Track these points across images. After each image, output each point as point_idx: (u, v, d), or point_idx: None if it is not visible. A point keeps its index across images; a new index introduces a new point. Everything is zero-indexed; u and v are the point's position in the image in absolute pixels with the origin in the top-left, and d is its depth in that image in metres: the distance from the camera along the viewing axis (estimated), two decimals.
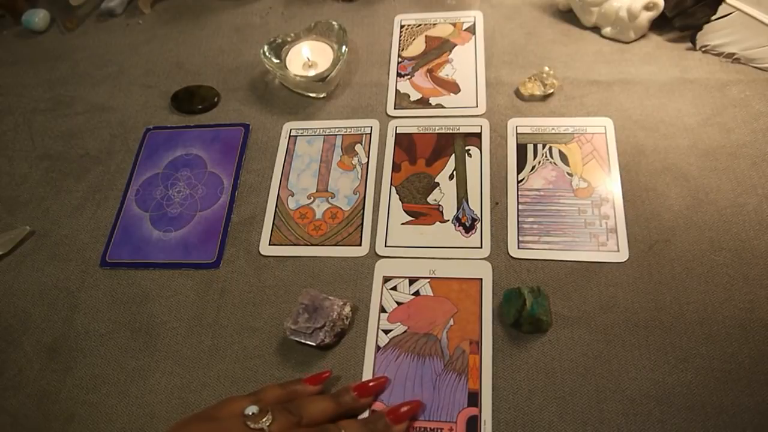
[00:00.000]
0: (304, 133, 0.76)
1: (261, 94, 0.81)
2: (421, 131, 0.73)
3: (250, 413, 0.44)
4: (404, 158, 0.72)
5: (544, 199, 0.66)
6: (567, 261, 0.62)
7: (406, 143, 0.73)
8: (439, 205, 0.67)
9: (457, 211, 0.67)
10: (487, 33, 0.81)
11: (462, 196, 0.68)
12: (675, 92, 0.71)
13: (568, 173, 0.67)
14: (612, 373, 0.55)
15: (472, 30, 0.82)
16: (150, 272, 0.68)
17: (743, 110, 0.69)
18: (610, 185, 0.66)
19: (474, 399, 0.55)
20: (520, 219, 0.65)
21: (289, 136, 0.76)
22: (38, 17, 0.93)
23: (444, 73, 0.78)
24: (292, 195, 0.71)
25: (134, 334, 0.64)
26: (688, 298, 0.58)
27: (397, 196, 0.69)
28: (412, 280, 0.63)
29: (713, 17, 0.72)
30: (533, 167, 0.68)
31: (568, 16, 0.81)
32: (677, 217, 0.63)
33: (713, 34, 0.73)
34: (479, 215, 0.66)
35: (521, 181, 0.68)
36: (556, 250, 0.62)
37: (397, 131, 0.74)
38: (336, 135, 0.75)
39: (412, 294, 0.62)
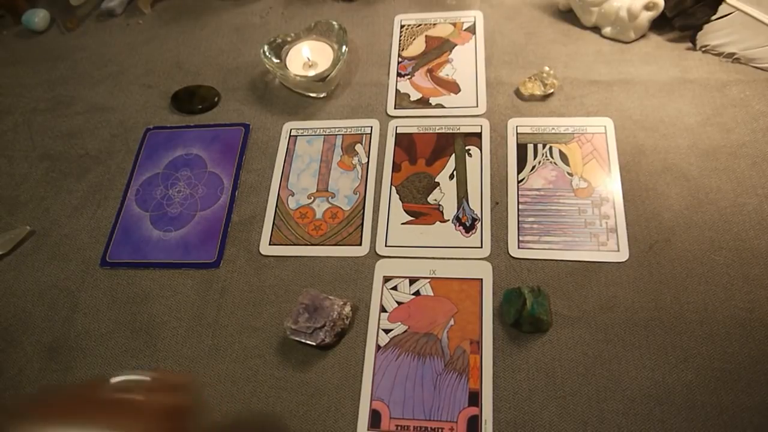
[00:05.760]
0: (304, 133, 0.76)
1: (261, 94, 0.81)
2: (422, 131, 0.73)
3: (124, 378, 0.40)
4: (404, 158, 0.72)
5: (544, 198, 0.66)
6: (567, 261, 0.62)
7: (406, 143, 0.73)
8: (440, 204, 0.67)
9: (458, 210, 0.67)
10: (487, 33, 0.81)
11: (462, 195, 0.68)
12: (675, 92, 0.71)
13: (568, 173, 0.67)
14: (612, 372, 0.55)
15: (472, 30, 0.82)
16: (150, 272, 0.68)
17: (743, 110, 0.69)
18: (610, 185, 0.66)
19: (475, 399, 0.55)
20: (520, 219, 0.65)
21: (289, 136, 0.76)
22: (38, 17, 0.93)
23: (444, 73, 0.78)
24: (293, 195, 0.71)
25: (134, 334, 0.64)
26: (688, 298, 0.58)
27: (398, 196, 0.69)
28: (413, 280, 0.63)
29: (713, 17, 0.72)
30: (533, 167, 0.68)
31: (568, 16, 0.81)
32: (677, 216, 0.63)
33: (713, 34, 0.73)
34: (479, 215, 0.66)
35: (521, 180, 0.68)
36: (557, 249, 0.62)
37: (397, 131, 0.74)
38: (336, 135, 0.75)
39: (413, 294, 0.62)
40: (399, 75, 0.79)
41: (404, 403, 0.56)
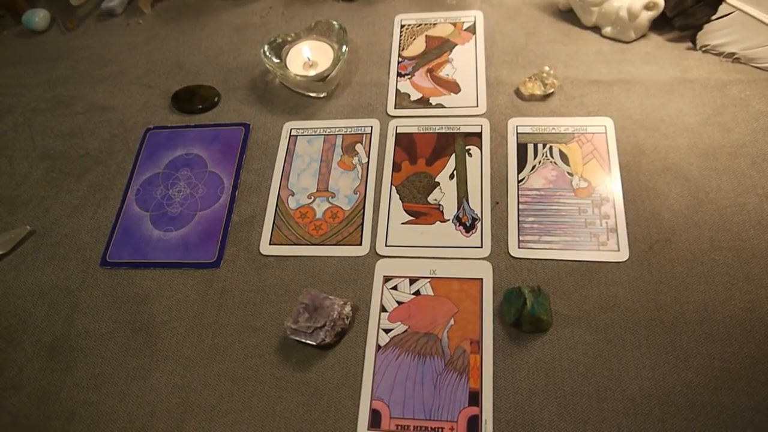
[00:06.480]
0: (305, 133, 0.76)
1: (261, 94, 0.81)
2: (422, 131, 0.73)
3: None
4: (404, 158, 0.72)
5: (545, 198, 0.66)
6: (567, 260, 0.62)
7: (406, 143, 0.73)
8: (440, 204, 0.67)
9: (458, 210, 0.67)
10: (487, 33, 0.81)
11: (462, 195, 0.68)
12: (675, 92, 0.71)
13: (568, 173, 0.67)
14: (612, 372, 0.55)
15: (472, 30, 0.82)
16: (150, 272, 0.68)
17: (743, 110, 0.69)
18: (610, 185, 0.66)
19: (475, 398, 0.55)
20: (520, 218, 0.65)
21: (290, 135, 0.76)
22: (38, 17, 0.93)
23: (444, 72, 0.78)
24: (293, 194, 0.71)
25: (134, 333, 0.64)
26: (688, 298, 0.58)
27: (398, 196, 0.69)
28: (413, 280, 0.63)
29: (713, 17, 0.72)
30: (533, 167, 0.68)
31: (568, 15, 0.81)
32: (677, 216, 0.63)
33: (713, 33, 0.73)
34: (479, 215, 0.66)
35: (521, 180, 0.68)
36: (557, 249, 0.62)
37: (398, 131, 0.74)
38: (336, 135, 0.75)
39: (413, 293, 0.62)
40: (399, 75, 0.79)
41: (404, 403, 0.56)
